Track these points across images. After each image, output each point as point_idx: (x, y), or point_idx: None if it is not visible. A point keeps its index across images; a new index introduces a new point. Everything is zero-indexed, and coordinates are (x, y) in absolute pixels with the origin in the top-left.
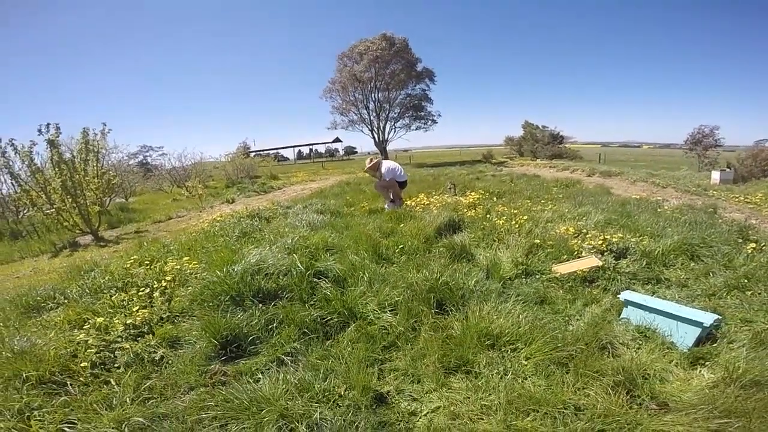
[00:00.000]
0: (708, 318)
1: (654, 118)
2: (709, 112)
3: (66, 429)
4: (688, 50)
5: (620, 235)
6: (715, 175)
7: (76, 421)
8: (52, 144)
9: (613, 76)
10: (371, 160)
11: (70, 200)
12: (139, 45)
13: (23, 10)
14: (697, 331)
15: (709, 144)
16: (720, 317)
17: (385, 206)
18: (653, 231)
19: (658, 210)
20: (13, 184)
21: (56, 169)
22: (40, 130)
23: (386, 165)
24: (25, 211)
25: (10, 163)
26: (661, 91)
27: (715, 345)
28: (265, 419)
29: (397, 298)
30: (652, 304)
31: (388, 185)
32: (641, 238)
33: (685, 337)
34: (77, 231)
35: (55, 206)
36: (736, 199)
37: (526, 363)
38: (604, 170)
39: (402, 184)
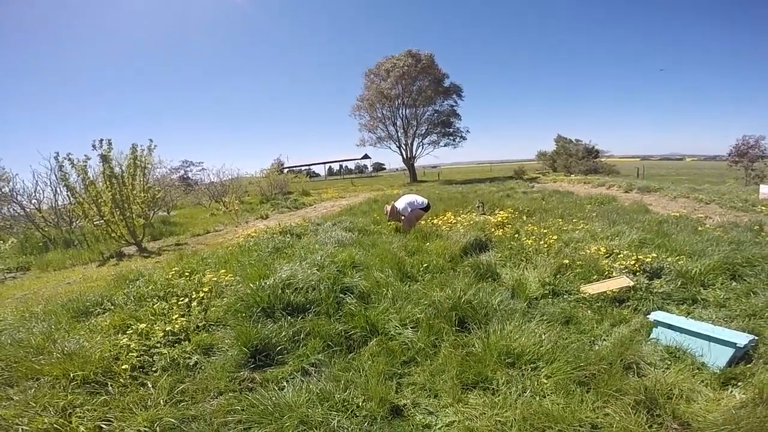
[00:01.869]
0: (742, 338)
1: (698, 128)
2: (758, 121)
3: (103, 426)
4: (735, 55)
5: (654, 254)
6: (764, 189)
7: (112, 419)
8: (104, 159)
9: (653, 86)
10: (386, 211)
11: (118, 213)
12: (183, 63)
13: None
14: (730, 351)
15: (755, 155)
16: (756, 337)
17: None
18: (692, 250)
19: (699, 228)
20: (68, 196)
21: (107, 183)
22: (94, 145)
23: (402, 201)
24: (77, 222)
25: (67, 176)
26: (706, 100)
27: (749, 366)
28: (286, 425)
29: (419, 315)
30: (683, 325)
31: (413, 217)
32: (678, 257)
33: (718, 358)
34: (123, 242)
35: (104, 218)
36: None
37: (546, 381)
38: (643, 186)
39: (425, 209)
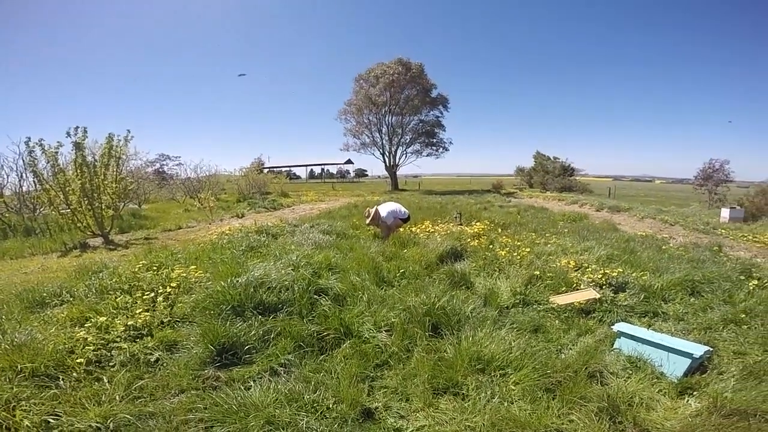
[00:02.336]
0: (699, 349)
1: (668, 152)
2: (725, 146)
3: (51, 420)
4: (706, 82)
5: (620, 269)
6: (725, 213)
7: (61, 414)
8: (78, 147)
9: (627, 108)
10: (368, 214)
11: (86, 202)
12: (163, 53)
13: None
14: (687, 361)
15: (719, 179)
16: (711, 349)
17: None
18: (655, 267)
19: (663, 247)
20: (34, 182)
21: (78, 171)
22: (68, 133)
23: (386, 208)
24: (41, 209)
25: (35, 162)
26: (677, 125)
27: (704, 376)
28: (251, 424)
29: (393, 320)
30: (645, 336)
31: (393, 226)
32: (642, 273)
33: (676, 368)
34: (89, 233)
35: (71, 207)
36: (744, 238)
37: (514, 388)
38: (613, 205)
39: (405, 220)
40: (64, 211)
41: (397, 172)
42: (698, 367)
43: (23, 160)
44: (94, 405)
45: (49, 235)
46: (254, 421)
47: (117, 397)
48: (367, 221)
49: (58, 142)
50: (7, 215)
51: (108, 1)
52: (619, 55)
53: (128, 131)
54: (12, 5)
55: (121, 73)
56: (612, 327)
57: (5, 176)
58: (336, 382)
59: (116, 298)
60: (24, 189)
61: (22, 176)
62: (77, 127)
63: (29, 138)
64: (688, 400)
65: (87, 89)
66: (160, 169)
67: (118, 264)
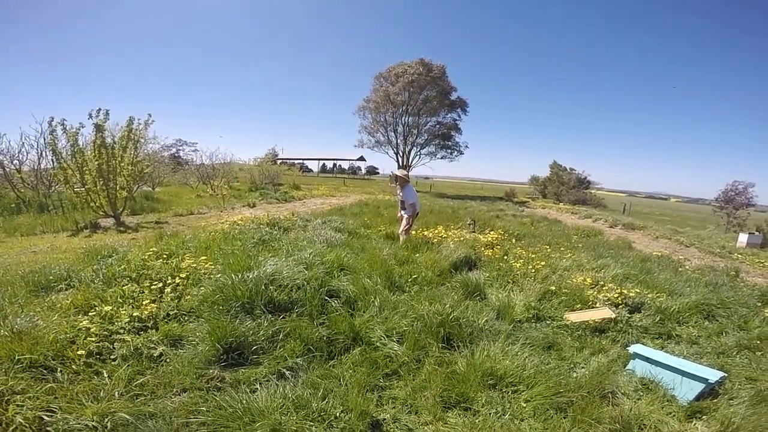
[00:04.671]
0: (713, 374)
1: (686, 169)
2: (745, 169)
3: (45, 416)
4: (728, 100)
5: (637, 290)
6: (742, 238)
7: (56, 410)
8: (98, 128)
9: (646, 123)
10: (401, 174)
11: (101, 183)
12: (185, 44)
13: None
14: (700, 386)
15: (741, 203)
16: (726, 375)
17: (400, 232)
18: (671, 289)
19: (679, 269)
20: (53, 161)
21: (96, 153)
22: (90, 114)
23: (415, 194)
24: (56, 186)
25: (56, 141)
26: (696, 143)
27: (715, 400)
28: (256, 431)
29: (405, 328)
30: (660, 358)
31: (412, 216)
32: (658, 294)
33: (687, 392)
34: (101, 213)
35: (86, 186)
36: (761, 264)
37: (525, 405)
38: (628, 222)
39: (417, 214)
40: (78, 189)
41: (409, 173)
42: (710, 391)
43: (44, 139)
44: (91, 401)
45: (62, 212)
46: (260, 428)
47: (116, 394)
48: (399, 175)
49: (80, 123)
50: (22, 190)
51: None
52: (642, 69)
53: (149, 115)
54: None
55: (145, 62)
56: (627, 348)
57: (25, 153)
58: (344, 390)
59: (123, 286)
60: (42, 166)
61: (42, 154)
62: (99, 110)
63: (52, 118)
64: (695, 424)
65: (106, 78)
66: (176, 154)
67: (127, 249)
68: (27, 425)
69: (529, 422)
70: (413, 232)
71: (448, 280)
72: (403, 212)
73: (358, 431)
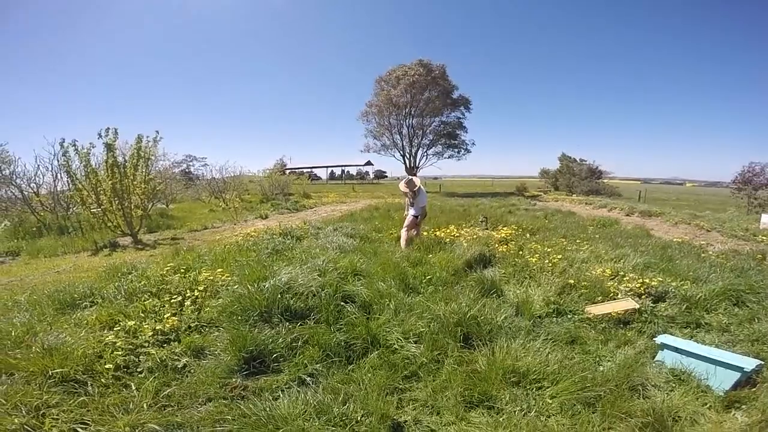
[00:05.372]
0: (749, 363)
1: (701, 154)
2: (763, 150)
3: (79, 429)
4: (740, 80)
5: (660, 278)
6: (765, 219)
7: (90, 423)
8: (109, 147)
9: (658, 109)
10: (411, 182)
11: (116, 202)
12: (188, 58)
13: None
14: (737, 375)
15: (760, 183)
16: (762, 362)
17: (402, 235)
18: (695, 276)
19: (702, 255)
20: (68, 182)
21: (109, 172)
22: (99, 134)
23: (425, 195)
24: (74, 208)
25: (69, 162)
26: (710, 126)
27: (754, 389)
28: None
29: (422, 329)
30: (690, 348)
31: (422, 214)
32: (682, 282)
33: (723, 381)
34: (119, 232)
35: (102, 206)
36: None
37: (551, 401)
38: (644, 210)
39: (425, 216)
40: (95, 210)
41: (418, 174)
42: (747, 380)
43: (58, 161)
44: (122, 413)
45: (81, 233)
46: None
47: (145, 405)
48: (403, 187)
49: (90, 143)
50: (42, 213)
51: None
52: (649, 54)
53: (157, 132)
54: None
55: (149, 73)
56: (654, 339)
57: (41, 176)
58: (364, 394)
59: (144, 301)
60: (58, 188)
61: (57, 176)
62: (108, 129)
63: (63, 139)
64: (734, 414)
65: (115, 91)
66: (187, 170)
67: (146, 265)
68: None
69: (556, 418)
70: (424, 233)
71: (462, 279)
72: (411, 210)
73: None
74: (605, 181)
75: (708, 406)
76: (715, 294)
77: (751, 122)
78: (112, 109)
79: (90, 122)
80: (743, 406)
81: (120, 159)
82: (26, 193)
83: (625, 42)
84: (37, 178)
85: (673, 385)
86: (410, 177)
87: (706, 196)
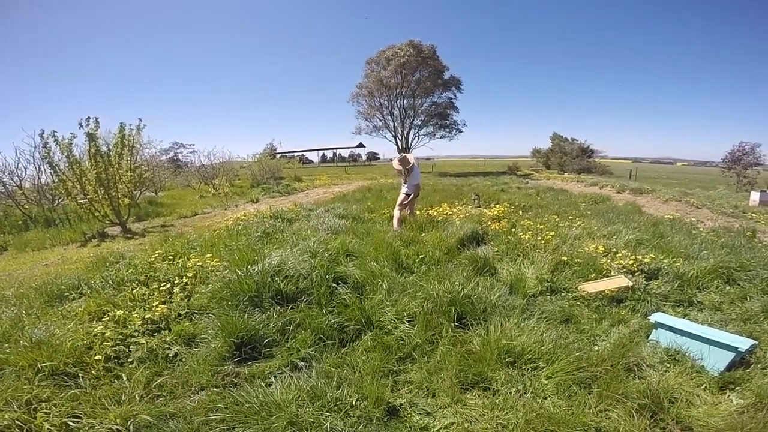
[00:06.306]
0: (743, 343)
1: (691, 133)
2: (751, 129)
3: (70, 423)
4: (729, 61)
5: (652, 255)
6: (755, 196)
7: (82, 416)
8: (91, 137)
9: (648, 89)
10: (404, 159)
11: (102, 192)
12: (175, 44)
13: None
14: (731, 355)
15: (749, 162)
16: (756, 342)
17: (395, 214)
18: (687, 253)
19: (693, 231)
20: (51, 174)
21: (92, 162)
22: (80, 124)
23: (418, 173)
24: (60, 200)
25: (51, 154)
26: (699, 106)
27: (747, 370)
28: (274, 425)
29: (415, 309)
30: (684, 327)
31: (415, 191)
32: (674, 259)
33: (717, 362)
34: (107, 222)
35: (88, 197)
36: None
37: (546, 382)
38: (635, 187)
39: (418, 195)
40: (81, 201)
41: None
42: (741, 361)
43: (39, 153)
44: (114, 405)
45: (68, 225)
46: (277, 422)
47: (136, 396)
48: (396, 165)
49: (71, 133)
50: (27, 207)
51: None
52: (637, 34)
53: (140, 120)
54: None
55: (135, 63)
56: (648, 317)
57: (23, 169)
58: (359, 377)
59: (133, 289)
60: (42, 181)
61: (39, 168)
62: (89, 118)
63: (43, 131)
64: (729, 396)
65: (98, 82)
66: (175, 157)
67: (134, 254)
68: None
69: (552, 399)
70: (417, 212)
71: (456, 258)
72: (404, 187)
73: (374, 418)
74: (596, 160)
75: (703, 387)
76: (707, 272)
77: (739, 102)
78: (95, 99)
79: (73, 113)
80: (737, 388)
81: (104, 148)
82: (9, 186)
83: (615, 23)
84: (19, 171)
85: (668, 365)
86: (404, 154)
87: (696, 174)
